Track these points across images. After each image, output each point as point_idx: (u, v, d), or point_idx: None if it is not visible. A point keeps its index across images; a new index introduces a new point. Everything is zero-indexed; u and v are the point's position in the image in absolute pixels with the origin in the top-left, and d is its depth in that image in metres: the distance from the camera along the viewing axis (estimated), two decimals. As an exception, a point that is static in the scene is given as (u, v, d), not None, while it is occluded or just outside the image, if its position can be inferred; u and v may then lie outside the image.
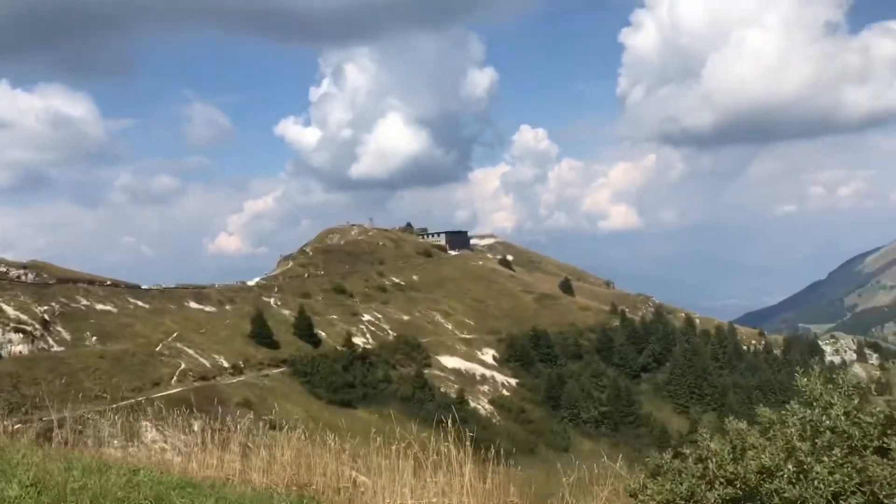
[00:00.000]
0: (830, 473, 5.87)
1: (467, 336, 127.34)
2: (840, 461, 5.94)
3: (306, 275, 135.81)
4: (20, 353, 71.74)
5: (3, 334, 73.09)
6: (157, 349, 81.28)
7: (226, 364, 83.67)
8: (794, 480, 6.04)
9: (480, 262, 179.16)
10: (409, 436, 8.72)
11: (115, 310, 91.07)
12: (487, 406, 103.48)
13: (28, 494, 6.33)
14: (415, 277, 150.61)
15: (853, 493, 5.85)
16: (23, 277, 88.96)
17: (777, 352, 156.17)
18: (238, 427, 9.90)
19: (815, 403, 6.58)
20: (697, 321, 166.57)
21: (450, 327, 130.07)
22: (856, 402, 6.44)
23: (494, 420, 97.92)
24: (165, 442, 14.87)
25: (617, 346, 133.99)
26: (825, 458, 5.98)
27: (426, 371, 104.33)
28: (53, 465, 7.43)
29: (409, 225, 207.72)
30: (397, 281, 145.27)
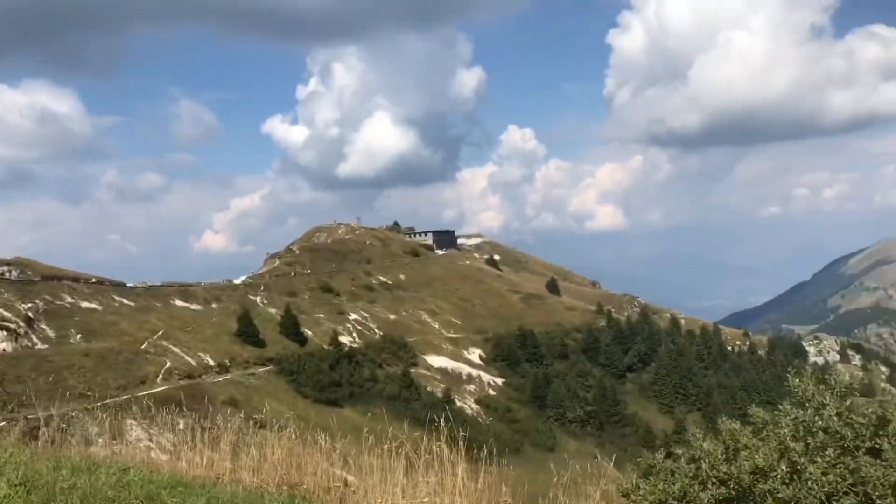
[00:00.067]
0: (824, 474, 5.89)
1: (454, 335, 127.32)
2: (833, 462, 5.96)
3: (293, 273, 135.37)
4: (4, 350, 71.14)
5: (-14, 332, 72.50)
6: (143, 347, 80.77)
7: (212, 362, 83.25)
8: (787, 481, 6.05)
9: (467, 262, 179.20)
10: (402, 435, 8.67)
11: (100, 307, 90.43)
12: (474, 405, 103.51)
13: (17, 494, 6.25)
14: (402, 276, 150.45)
15: (846, 493, 5.87)
16: (7, 274, 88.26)
17: (761, 352, 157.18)
18: (228, 426, 9.82)
19: (807, 404, 6.60)
20: (683, 322, 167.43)
21: (436, 326, 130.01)
22: (848, 402, 6.48)
23: (481, 419, 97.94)
24: (151, 440, 14.75)
25: (603, 346, 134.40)
26: (818, 459, 6.00)
27: (413, 370, 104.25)
28: (42, 463, 7.34)
29: (396, 224, 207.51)
30: (384, 280, 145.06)
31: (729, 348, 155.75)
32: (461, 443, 8.38)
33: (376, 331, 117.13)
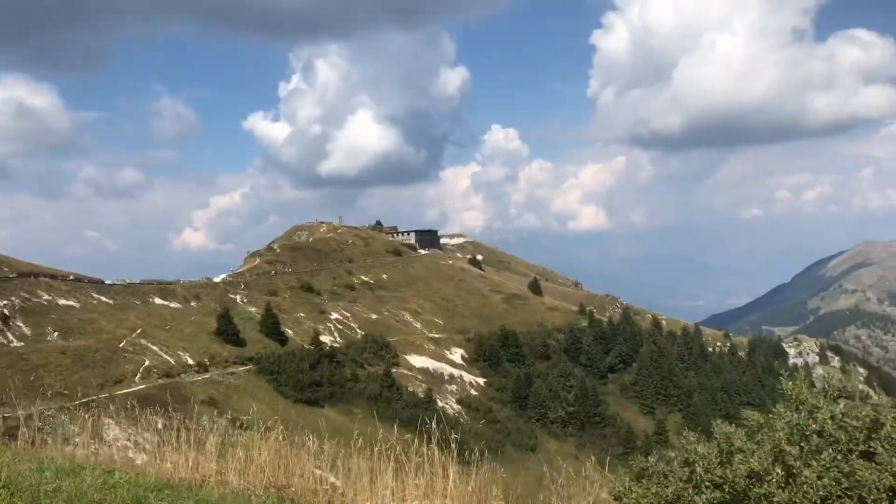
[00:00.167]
0: (819, 478, 5.86)
1: (436, 335, 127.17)
2: (828, 465, 5.94)
3: (273, 272, 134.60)
4: (-20, 348, 70.18)
5: (-38, 329, 71.53)
6: (121, 345, 79.91)
7: (191, 361, 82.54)
8: (782, 485, 6.02)
9: (450, 262, 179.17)
10: (391, 437, 8.57)
11: (77, 305, 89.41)
12: (455, 405, 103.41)
13: (0, 497, 6.10)
14: (384, 276, 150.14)
15: (840, 497, 5.85)
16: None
17: (742, 354, 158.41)
18: (214, 427, 9.67)
19: (801, 407, 6.58)
20: (664, 322, 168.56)
21: (418, 326, 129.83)
22: (841, 405, 6.46)
23: (462, 420, 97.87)
24: (129, 440, 14.54)
25: (584, 346, 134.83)
26: (814, 463, 5.98)
27: (394, 370, 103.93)
28: (24, 465, 7.18)
29: (378, 223, 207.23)
30: (366, 279, 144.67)
31: (710, 349, 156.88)
32: (453, 445, 8.28)
33: (357, 330, 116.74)
